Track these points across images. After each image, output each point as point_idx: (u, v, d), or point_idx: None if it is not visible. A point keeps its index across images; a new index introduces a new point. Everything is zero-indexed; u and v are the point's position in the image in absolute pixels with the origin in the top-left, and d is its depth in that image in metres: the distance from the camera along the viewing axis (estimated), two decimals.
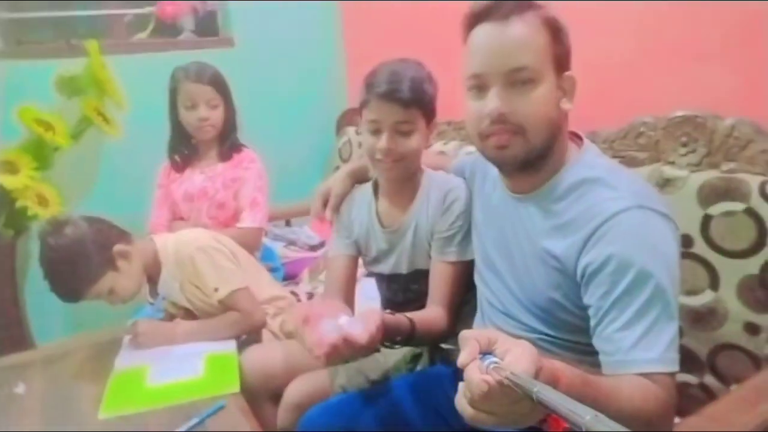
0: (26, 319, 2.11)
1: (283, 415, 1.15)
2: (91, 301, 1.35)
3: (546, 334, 0.91)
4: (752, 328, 1.09)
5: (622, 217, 0.80)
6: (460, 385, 0.61)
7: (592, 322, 0.82)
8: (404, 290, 1.23)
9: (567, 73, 0.88)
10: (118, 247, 1.35)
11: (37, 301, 2.06)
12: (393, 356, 1.21)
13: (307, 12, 2.53)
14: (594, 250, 0.81)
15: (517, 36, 0.84)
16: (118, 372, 1.29)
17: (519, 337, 0.84)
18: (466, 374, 0.59)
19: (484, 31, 0.86)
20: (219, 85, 1.82)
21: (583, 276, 0.83)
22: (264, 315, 1.47)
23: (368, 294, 1.38)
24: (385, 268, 1.24)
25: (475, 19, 0.87)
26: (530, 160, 0.88)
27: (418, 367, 1.22)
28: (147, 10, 2.40)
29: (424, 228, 1.17)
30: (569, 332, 0.90)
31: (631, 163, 1.29)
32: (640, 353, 0.76)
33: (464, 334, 0.63)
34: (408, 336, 1.00)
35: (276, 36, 2.48)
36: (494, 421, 0.59)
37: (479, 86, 0.87)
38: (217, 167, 1.88)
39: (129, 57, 2.22)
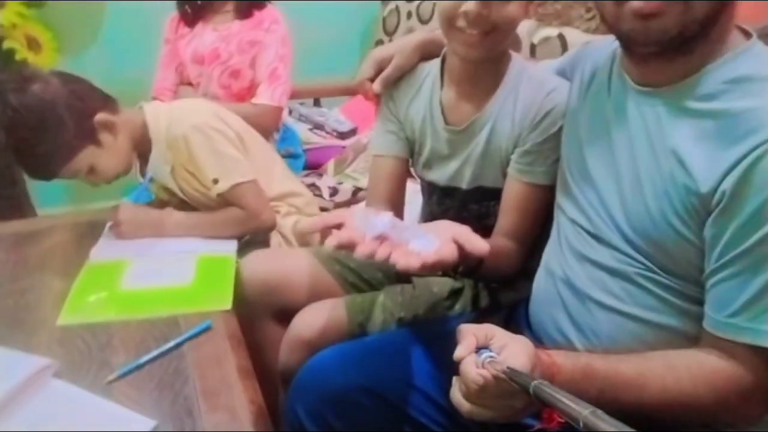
0: (23, 183, 1.93)
1: (287, 352, 0.94)
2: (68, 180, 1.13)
3: (644, 266, 0.73)
4: None
5: None
6: (455, 379, 0.63)
7: (712, 264, 0.66)
8: (459, 209, 0.98)
9: None
10: (100, 116, 1.09)
11: None
12: (429, 290, 0.96)
13: None
14: (747, 172, 0.63)
15: None
16: (92, 265, 1.07)
17: (610, 266, 0.75)
18: (462, 368, 0.61)
19: None
20: None
21: (720, 202, 0.65)
22: (273, 214, 1.21)
23: None
24: (440, 176, 0.98)
25: None
26: (683, 38, 0.67)
27: (457, 307, 0.96)
28: None
29: (504, 133, 0.91)
30: (674, 269, 0.71)
31: None
32: (758, 322, 0.62)
33: (462, 328, 0.64)
34: (472, 268, 0.81)
35: None
36: (490, 415, 0.61)
37: None
38: (232, 25, 1.57)
39: None
